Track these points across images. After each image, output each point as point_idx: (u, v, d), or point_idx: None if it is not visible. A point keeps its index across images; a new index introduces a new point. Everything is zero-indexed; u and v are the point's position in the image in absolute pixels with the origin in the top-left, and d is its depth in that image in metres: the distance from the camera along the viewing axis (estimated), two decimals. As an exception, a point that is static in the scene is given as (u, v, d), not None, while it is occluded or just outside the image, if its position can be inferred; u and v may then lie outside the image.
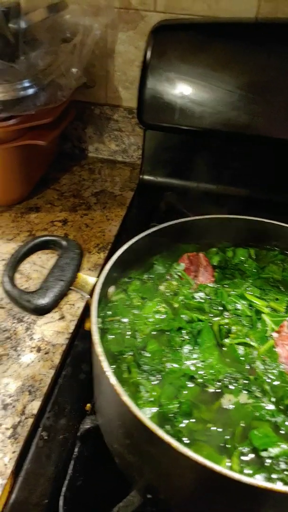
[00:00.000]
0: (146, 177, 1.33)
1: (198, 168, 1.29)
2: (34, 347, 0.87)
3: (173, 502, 0.58)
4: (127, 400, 0.51)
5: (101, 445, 0.67)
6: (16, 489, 0.68)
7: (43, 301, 0.61)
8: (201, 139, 1.24)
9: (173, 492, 0.57)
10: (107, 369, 0.54)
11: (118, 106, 1.39)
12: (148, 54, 1.14)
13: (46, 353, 0.86)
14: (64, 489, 0.68)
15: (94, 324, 0.59)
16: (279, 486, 0.47)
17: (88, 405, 0.78)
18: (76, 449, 0.72)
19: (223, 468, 0.46)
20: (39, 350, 0.87)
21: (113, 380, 0.53)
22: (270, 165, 1.24)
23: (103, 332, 0.68)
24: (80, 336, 0.89)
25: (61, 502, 0.66)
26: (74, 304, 0.96)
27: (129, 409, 0.51)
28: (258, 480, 0.48)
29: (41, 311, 0.61)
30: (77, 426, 0.75)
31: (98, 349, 0.56)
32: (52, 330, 0.90)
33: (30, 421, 0.76)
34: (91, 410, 0.77)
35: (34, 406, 0.78)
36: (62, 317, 0.93)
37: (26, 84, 1.03)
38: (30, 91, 1.04)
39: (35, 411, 0.77)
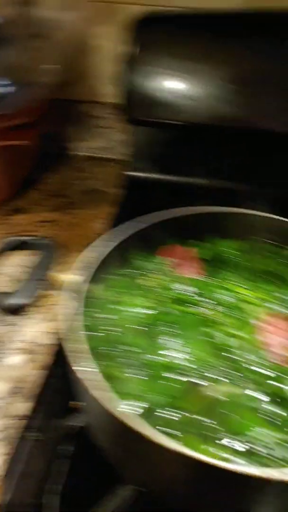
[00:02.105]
0: (134, 173, 1.32)
1: (189, 163, 1.28)
2: (21, 348, 0.86)
3: (164, 494, 0.58)
4: (102, 397, 0.51)
5: (90, 442, 0.67)
6: (8, 490, 0.67)
7: (21, 301, 0.61)
8: (190, 133, 1.23)
9: (161, 484, 0.57)
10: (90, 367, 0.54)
11: (101, 102, 1.38)
12: (132, 48, 1.13)
13: (34, 354, 0.86)
14: (54, 487, 0.67)
15: (76, 321, 0.59)
16: (260, 472, 0.47)
17: (76, 403, 0.77)
18: (65, 448, 0.71)
19: (204, 456, 0.46)
20: (26, 351, 0.86)
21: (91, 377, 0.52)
22: (261, 158, 1.22)
23: (86, 329, 0.67)
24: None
25: (52, 500, 0.66)
26: (61, 303, 0.95)
27: (106, 407, 0.51)
28: (239, 466, 0.48)
29: (16, 310, 0.60)
30: (66, 425, 0.74)
31: (82, 346, 0.56)
32: (39, 330, 0.90)
33: (19, 422, 0.75)
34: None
35: (24, 408, 0.77)
36: (49, 317, 0.92)
37: (1, 83, 1.02)
38: (8, 89, 1.03)
39: (24, 413, 0.76)
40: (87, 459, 0.70)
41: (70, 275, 0.68)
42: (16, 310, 0.60)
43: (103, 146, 1.45)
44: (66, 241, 1.11)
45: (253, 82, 1.09)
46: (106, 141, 1.44)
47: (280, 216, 0.83)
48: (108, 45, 1.28)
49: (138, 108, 1.17)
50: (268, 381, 0.61)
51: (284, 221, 0.83)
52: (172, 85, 1.12)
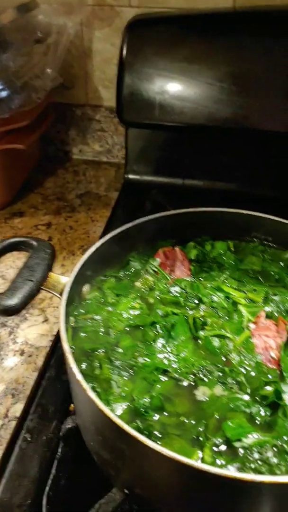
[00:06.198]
0: (131, 176, 1.32)
1: (183, 164, 1.28)
2: (17, 351, 0.87)
3: (151, 496, 0.58)
4: (92, 396, 0.51)
5: (83, 444, 0.67)
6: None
7: (12, 302, 0.61)
8: (185, 135, 1.23)
9: (149, 487, 0.56)
10: (73, 365, 0.54)
11: (99, 106, 1.38)
12: (124, 50, 1.12)
13: (30, 356, 0.86)
14: (47, 488, 0.67)
15: (62, 322, 0.59)
16: (245, 475, 0.46)
17: (72, 405, 0.77)
18: (59, 450, 0.71)
19: (189, 459, 0.46)
20: (22, 353, 0.86)
21: (78, 375, 0.53)
22: (255, 158, 1.22)
23: (76, 330, 0.67)
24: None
25: (44, 501, 0.66)
26: (57, 306, 0.95)
27: (95, 405, 0.51)
28: (220, 470, 0.47)
29: (10, 312, 0.61)
30: (60, 427, 0.74)
31: (65, 345, 0.56)
32: (36, 333, 0.90)
33: (13, 423, 0.75)
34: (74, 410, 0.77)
35: (17, 409, 0.77)
36: (45, 320, 0.92)
37: (-2, 87, 1.02)
38: (3, 94, 1.03)
39: (18, 414, 0.77)
40: (80, 461, 0.70)
41: (64, 277, 0.69)
42: (9, 311, 0.60)
43: (101, 150, 1.46)
44: (62, 244, 1.11)
45: (246, 81, 1.07)
46: (103, 145, 1.44)
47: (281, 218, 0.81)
48: (106, 49, 1.28)
49: (129, 110, 1.16)
50: (262, 385, 0.60)
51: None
52: (163, 87, 1.11)
